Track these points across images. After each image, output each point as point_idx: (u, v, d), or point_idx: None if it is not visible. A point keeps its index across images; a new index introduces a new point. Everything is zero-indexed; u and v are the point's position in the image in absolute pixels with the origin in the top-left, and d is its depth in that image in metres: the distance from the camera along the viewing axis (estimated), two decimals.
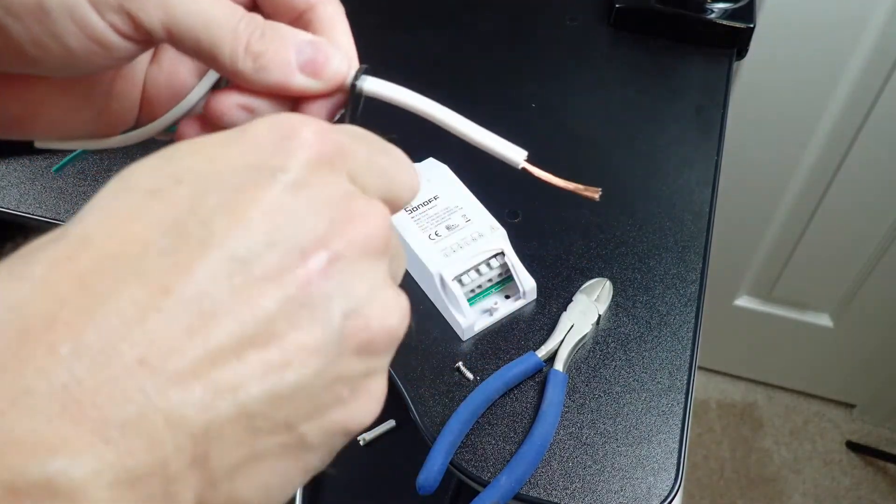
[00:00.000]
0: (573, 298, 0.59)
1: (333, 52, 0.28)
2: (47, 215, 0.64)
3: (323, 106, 0.29)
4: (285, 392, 0.20)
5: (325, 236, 0.21)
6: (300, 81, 0.27)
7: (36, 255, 0.19)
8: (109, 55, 0.27)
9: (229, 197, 0.20)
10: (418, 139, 0.70)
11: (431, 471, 0.49)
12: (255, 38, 0.27)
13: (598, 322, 0.58)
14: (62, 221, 0.64)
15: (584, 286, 0.59)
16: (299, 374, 0.20)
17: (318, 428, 0.21)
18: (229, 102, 0.28)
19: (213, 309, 0.19)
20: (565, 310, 0.58)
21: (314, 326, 0.20)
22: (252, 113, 0.28)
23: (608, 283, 0.59)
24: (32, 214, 0.65)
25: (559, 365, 0.55)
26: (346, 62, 0.28)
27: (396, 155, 0.25)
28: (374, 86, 0.29)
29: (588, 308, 0.58)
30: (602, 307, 0.58)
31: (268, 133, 0.22)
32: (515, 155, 0.32)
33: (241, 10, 0.27)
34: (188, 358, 0.18)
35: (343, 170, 0.23)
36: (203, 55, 0.27)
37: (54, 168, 0.61)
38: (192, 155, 0.21)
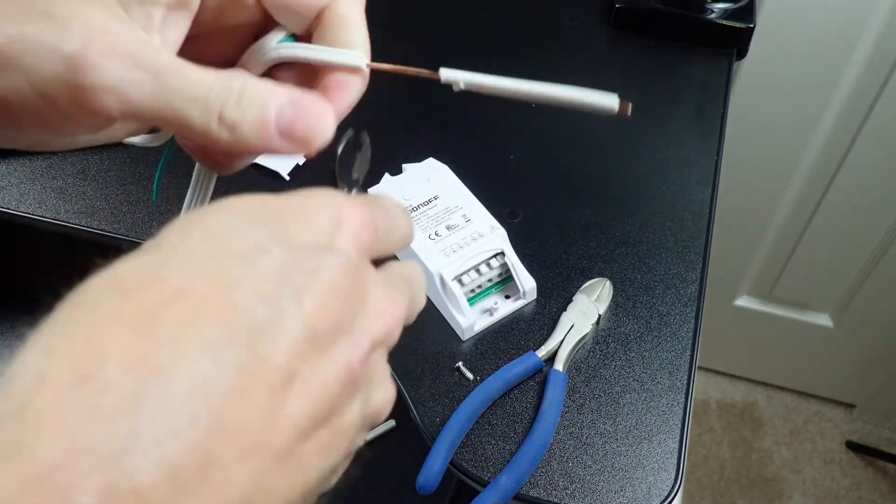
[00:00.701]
0: (573, 298, 0.59)
1: (316, 110, 0.27)
2: (47, 215, 0.64)
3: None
4: (326, 473, 0.22)
5: (369, 324, 0.23)
6: (280, 146, 0.26)
7: (160, 313, 0.19)
8: (75, 132, 0.27)
9: (309, 275, 0.21)
10: (419, 139, 0.71)
11: (431, 471, 0.49)
12: (230, 106, 0.25)
13: (598, 322, 0.58)
14: (62, 221, 0.64)
15: (584, 286, 0.59)
16: (335, 456, 0.22)
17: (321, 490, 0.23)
18: (196, 157, 0.29)
19: (300, 387, 0.20)
20: (565, 310, 0.58)
21: (354, 410, 0.22)
22: (220, 169, 0.29)
23: (608, 283, 0.59)
24: (32, 214, 0.65)
25: (559, 365, 0.55)
26: (332, 119, 0.27)
27: (400, 215, 0.27)
28: None
29: (588, 308, 0.58)
30: (602, 307, 0.58)
31: (326, 213, 0.23)
32: (609, 100, 0.29)
33: (210, 78, 0.25)
34: (284, 437, 0.19)
35: (374, 249, 0.25)
36: (175, 128, 0.26)
37: (154, 196, 0.61)
38: (266, 224, 0.22)
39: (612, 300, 0.59)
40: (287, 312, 0.20)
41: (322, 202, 0.24)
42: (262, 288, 0.20)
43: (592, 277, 0.60)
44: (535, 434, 0.52)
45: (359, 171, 0.31)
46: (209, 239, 0.21)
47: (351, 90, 0.29)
